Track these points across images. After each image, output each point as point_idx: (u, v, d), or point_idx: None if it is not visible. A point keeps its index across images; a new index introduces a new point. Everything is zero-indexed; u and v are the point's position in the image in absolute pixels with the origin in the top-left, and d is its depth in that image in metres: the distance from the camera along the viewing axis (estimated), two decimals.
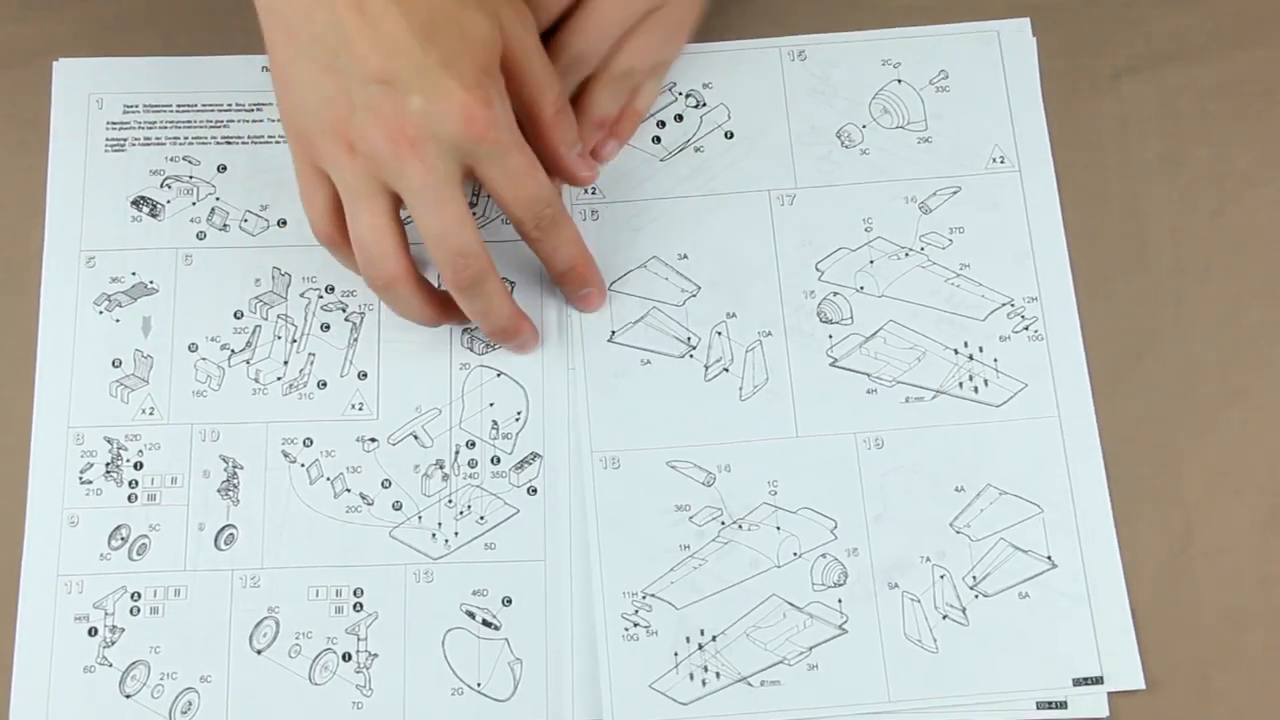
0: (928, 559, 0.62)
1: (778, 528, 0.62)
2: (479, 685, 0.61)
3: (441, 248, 0.57)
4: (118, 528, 0.62)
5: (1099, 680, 0.60)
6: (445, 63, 0.54)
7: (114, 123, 0.67)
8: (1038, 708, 0.60)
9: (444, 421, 0.64)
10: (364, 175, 0.56)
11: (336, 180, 0.57)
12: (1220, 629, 0.62)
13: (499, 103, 0.55)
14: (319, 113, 0.55)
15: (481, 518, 0.63)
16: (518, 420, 0.64)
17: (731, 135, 0.67)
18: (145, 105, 0.67)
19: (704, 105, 0.67)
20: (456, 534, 0.62)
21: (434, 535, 0.62)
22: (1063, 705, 0.60)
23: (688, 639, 0.61)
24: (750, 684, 0.60)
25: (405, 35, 0.53)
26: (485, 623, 0.61)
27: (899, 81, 0.67)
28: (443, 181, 0.55)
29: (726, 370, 0.64)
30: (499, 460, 0.63)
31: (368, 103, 0.54)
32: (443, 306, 0.62)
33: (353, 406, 0.64)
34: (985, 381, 0.64)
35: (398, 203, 0.57)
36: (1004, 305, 0.64)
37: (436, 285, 0.63)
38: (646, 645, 0.61)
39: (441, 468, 0.63)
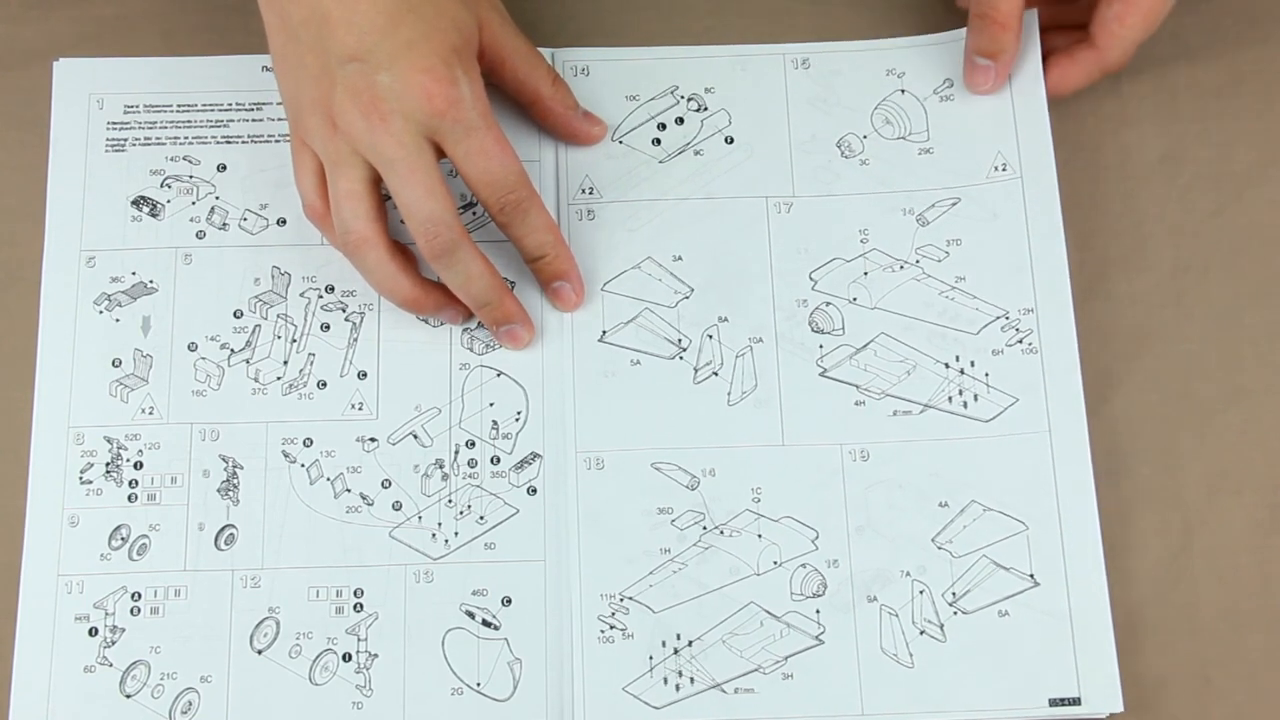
0: (908, 573, 0.61)
1: (759, 535, 0.62)
2: (479, 685, 0.61)
3: (413, 217, 0.59)
4: (118, 528, 0.62)
5: (1076, 701, 0.60)
6: (412, 43, 0.57)
7: (114, 123, 0.67)
8: (1050, 705, 0.60)
9: (444, 421, 0.64)
10: (344, 148, 0.59)
11: (320, 153, 0.60)
12: (1220, 629, 0.62)
13: (465, 83, 0.59)
14: (307, 90, 0.59)
15: (481, 518, 0.63)
16: (518, 420, 0.64)
17: (732, 140, 0.67)
18: (145, 105, 0.67)
19: (705, 109, 0.67)
20: (456, 534, 0.62)
21: (434, 535, 0.62)
22: (1076, 702, 0.60)
23: (664, 643, 0.61)
24: (724, 690, 0.60)
25: (377, 16, 0.57)
26: (485, 623, 0.61)
27: (902, 92, 0.67)
28: (413, 154, 0.58)
29: (716, 374, 0.64)
30: (499, 460, 0.63)
31: (345, 80, 0.58)
32: (427, 288, 0.62)
33: (352, 406, 0.64)
34: (975, 396, 0.63)
35: (376, 176, 0.59)
36: (998, 319, 0.64)
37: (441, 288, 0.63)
38: (622, 648, 0.61)
39: (441, 467, 0.63)
